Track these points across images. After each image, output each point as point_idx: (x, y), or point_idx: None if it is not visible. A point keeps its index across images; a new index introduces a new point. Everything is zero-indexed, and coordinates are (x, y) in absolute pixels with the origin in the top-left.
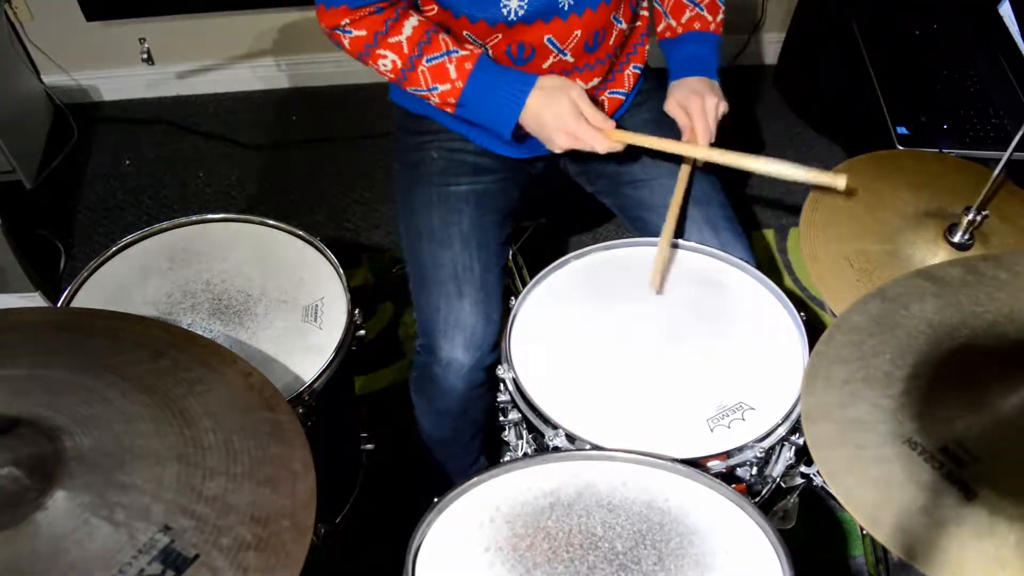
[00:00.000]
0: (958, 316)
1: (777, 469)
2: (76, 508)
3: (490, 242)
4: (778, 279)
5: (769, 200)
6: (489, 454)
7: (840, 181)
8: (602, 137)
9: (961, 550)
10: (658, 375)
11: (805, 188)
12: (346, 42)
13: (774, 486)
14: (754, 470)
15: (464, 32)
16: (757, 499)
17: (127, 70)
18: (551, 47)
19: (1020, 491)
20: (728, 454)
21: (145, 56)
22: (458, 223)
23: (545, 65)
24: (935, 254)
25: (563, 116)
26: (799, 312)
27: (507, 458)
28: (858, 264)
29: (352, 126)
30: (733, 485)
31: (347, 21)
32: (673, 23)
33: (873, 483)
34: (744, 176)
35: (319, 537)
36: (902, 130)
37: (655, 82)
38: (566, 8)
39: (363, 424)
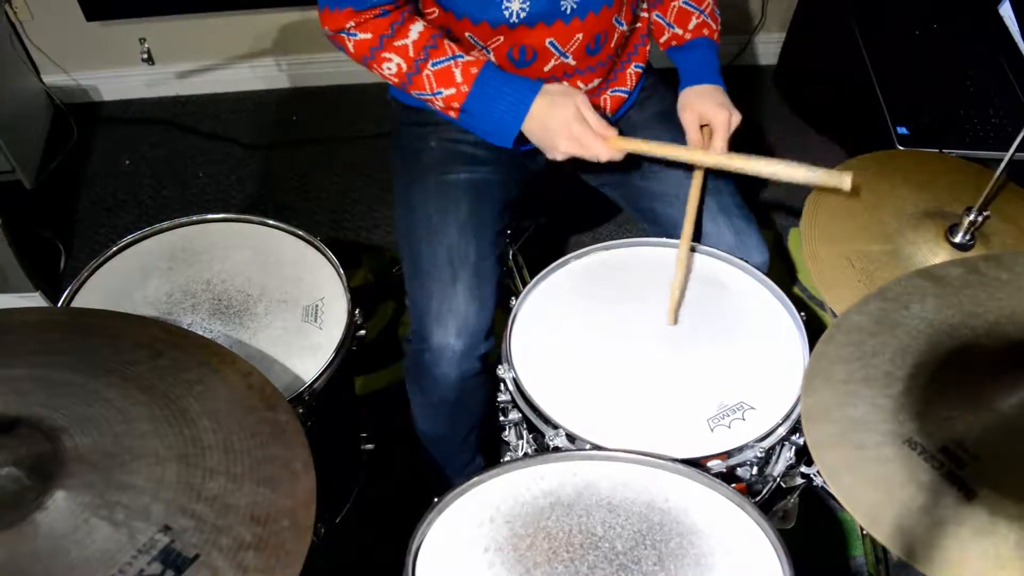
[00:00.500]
0: (958, 316)
1: (777, 469)
2: (76, 508)
3: (487, 231)
4: (778, 279)
5: (770, 200)
6: (488, 454)
7: (846, 181)
8: (604, 144)
9: (961, 550)
10: (658, 375)
11: (806, 188)
12: (350, 45)
13: (774, 486)
14: (754, 470)
15: (466, 34)
16: (757, 499)
17: (127, 70)
18: (553, 50)
19: (1020, 491)
20: (728, 454)
21: (145, 56)
22: (455, 212)
23: (547, 68)
24: (936, 254)
25: (567, 120)
26: (799, 312)
27: (507, 458)
28: (859, 264)
29: (352, 126)
30: (733, 485)
31: (352, 24)
32: (679, 31)
33: (873, 483)
34: (744, 175)
35: (319, 537)
36: (902, 130)
37: (657, 79)
38: (568, 11)
39: (363, 424)
